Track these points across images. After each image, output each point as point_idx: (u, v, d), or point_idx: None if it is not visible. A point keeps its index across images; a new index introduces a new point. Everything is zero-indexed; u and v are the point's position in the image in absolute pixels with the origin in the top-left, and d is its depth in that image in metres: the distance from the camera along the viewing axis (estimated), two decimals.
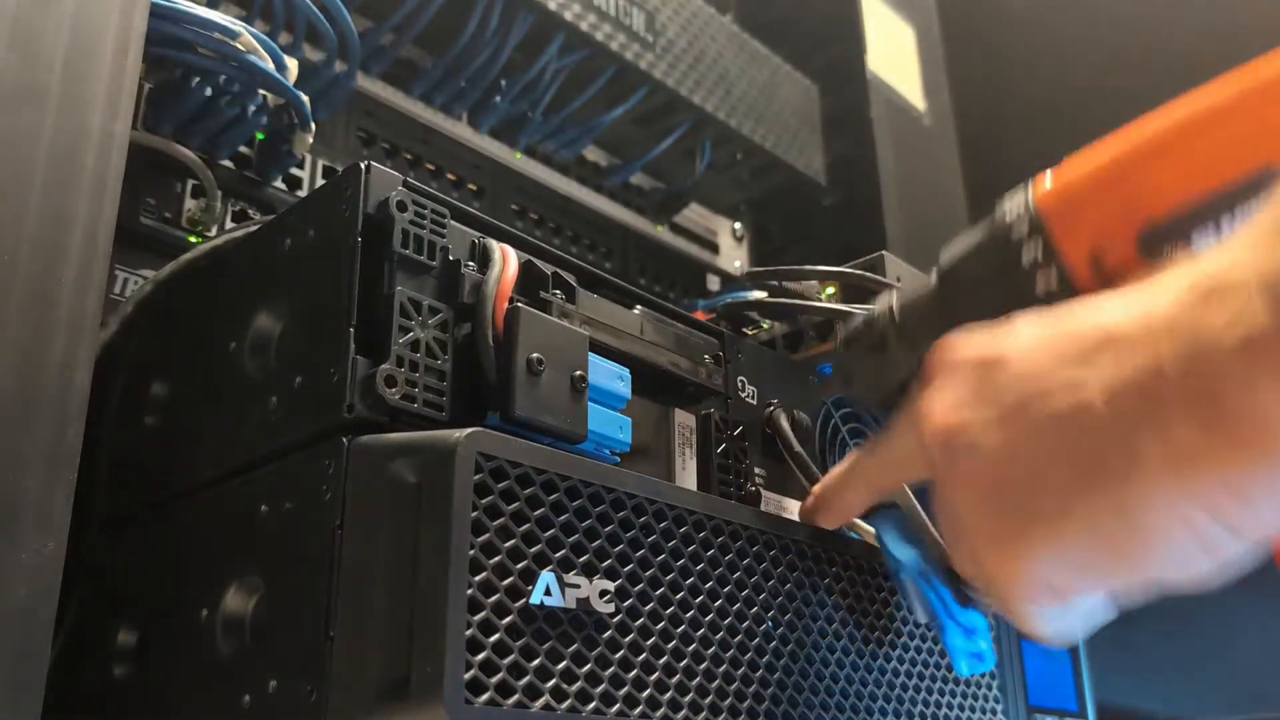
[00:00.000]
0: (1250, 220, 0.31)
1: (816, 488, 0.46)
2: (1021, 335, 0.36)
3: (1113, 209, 0.37)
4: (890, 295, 0.43)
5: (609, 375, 0.42)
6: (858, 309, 0.56)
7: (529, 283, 0.43)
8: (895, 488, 0.44)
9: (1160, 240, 0.36)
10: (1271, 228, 0.30)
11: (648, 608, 0.38)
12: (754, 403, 0.53)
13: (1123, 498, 0.32)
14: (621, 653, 0.37)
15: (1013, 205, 0.40)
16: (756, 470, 0.52)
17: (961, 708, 0.52)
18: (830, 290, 0.60)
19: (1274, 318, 0.29)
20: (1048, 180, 0.40)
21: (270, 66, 0.53)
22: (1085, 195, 0.38)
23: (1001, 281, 0.39)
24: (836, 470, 0.45)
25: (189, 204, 0.58)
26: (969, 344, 0.37)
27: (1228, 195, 0.35)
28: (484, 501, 0.34)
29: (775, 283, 0.60)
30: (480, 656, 0.32)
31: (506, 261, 0.41)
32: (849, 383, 0.44)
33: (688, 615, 0.40)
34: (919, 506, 0.45)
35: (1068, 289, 0.38)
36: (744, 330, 0.62)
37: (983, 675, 0.54)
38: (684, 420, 0.50)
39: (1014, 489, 0.34)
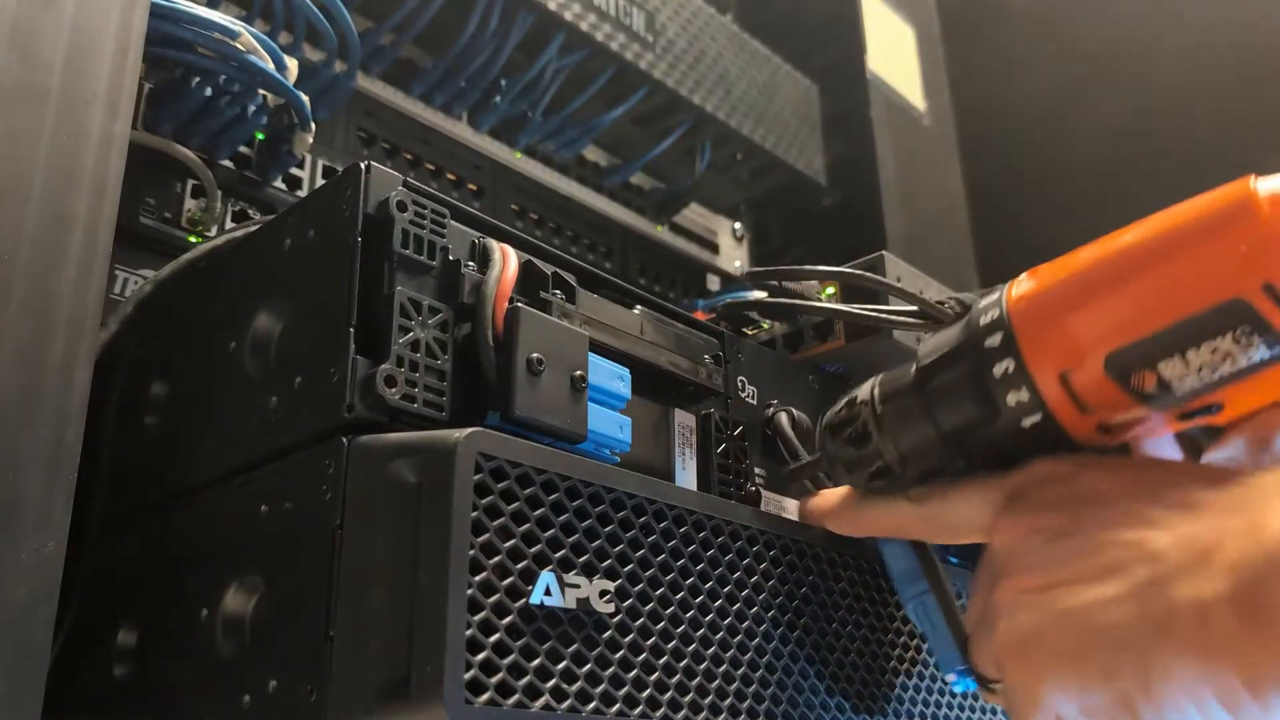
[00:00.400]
0: None
1: (840, 492, 0.46)
2: (1142, 476, 0.38)
3: (1080, 332, 0.38)
4: (873, 382, 0.44)
5: (609, 375, 0.42)
6: (858, 309, 0.56)
7: (529, 283, 0.43)
8: (929, 539, 0.45)
9: (1128, 365, 0.37)
10: None
11: (648, 608, 0.38)
12: (754, 403, 0.53)
13: (1146, 661, 0.34)
14: (621, 653, 0.37)
15: (989, 308, 0.41)
16: (756, 470, 0.52)
17: (961, 708, 0.52)
18: (830, 290, 0.60)
19: None
20: (1024, 285, 0.40)
21: (270, 66, 0.53)
22: (1054, 314, 0.38)
23: (975, 390, 0.40)
24: (881, 492, 0.45)
25: (189, 204, 0.58)
26: (1082, 468, 0.39)
27: (1195, 325, 0.36)
28: (484, 501, 0.34)
29: (775, 283, 0.60)
30: (480, 656, 0.32)
31: (506, 261, 0.41)
32: (832, 468, 0.45)
33: (688, 615, 0.40)
34: (937, 561, 0.46)
35: (1038, 404, 0.39)
36: (744, 330, 0.62)
37: None
38: (684, 420, 0.50)
39: (1060, 617, 0.36)
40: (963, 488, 0.42)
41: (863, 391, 0.44)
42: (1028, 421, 0.39)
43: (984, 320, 0.40)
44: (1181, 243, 0.36)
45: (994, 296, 0.41)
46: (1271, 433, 0.39)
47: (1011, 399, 0.39)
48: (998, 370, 0.39)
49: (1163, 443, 0.42)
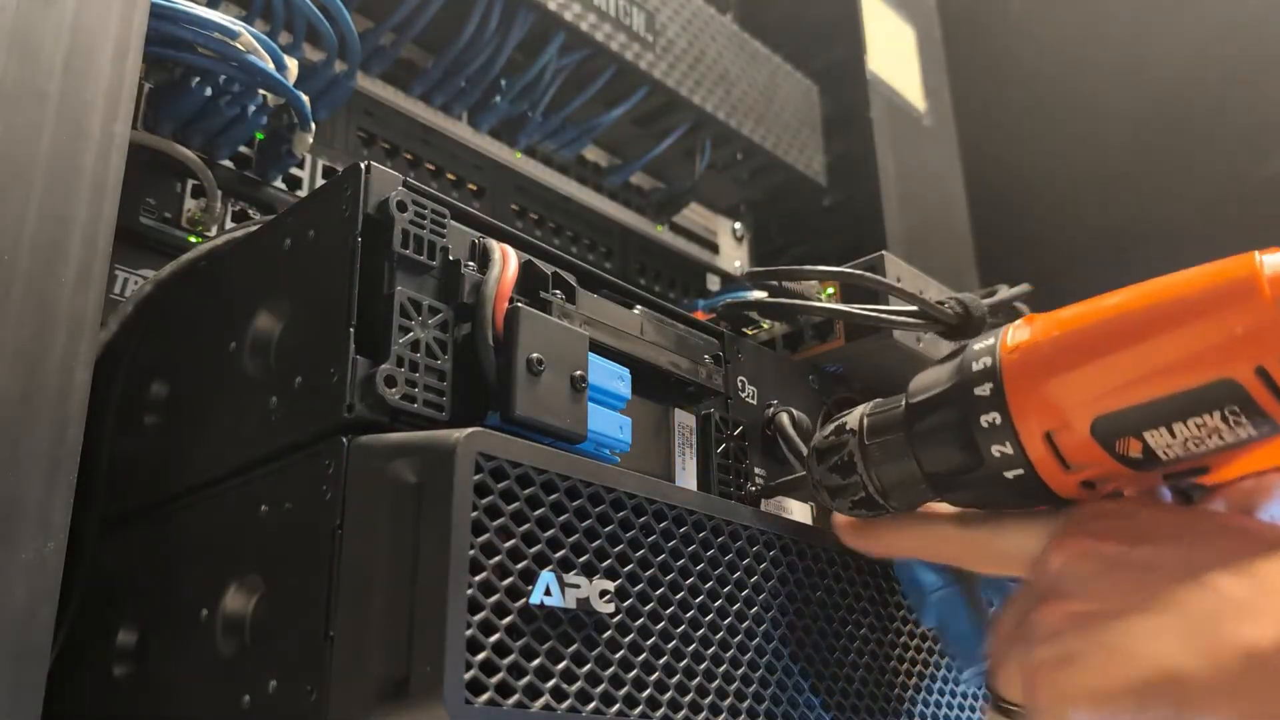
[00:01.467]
0: None
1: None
2: (1204, 522, 0.38)
3: (1069, 394, 0.38)
4: (863, 410, 0.44)
5: (609, 375, 0.42)
6: (858, 309, 0.56)
7: (529, 283, 0.43)
8: (970, 566, 0.45)
9: (1114, 431, 0.37)
10: None
11: (648, 608, 0.38)
12: (754, 403, 0.53)
13: (1184, 696, 0.33)
14: (621, 653, 0.37)
15: (982, 354, 0.40)
16: (756, 470, 0.52)
17: (962, 708, 0.52)
18: (830, 290, 0.60)
19: None
20: (1019, 333, 0.40)
21: (270, 66, 0.53)
22: (1044, 373, 0.38)
23: (960, 437, 0.40)
24: (867, 519, 0.45)
25: (189, 204, 0.58)
26: (1144, 505, 0.39)
27: (1184, 400, 0.36)
28: (484, 501, 0.34)
29: (775, 283, 0.60)
30: (480, 656, 0.32)
31: (506, 261, 0.41)
32: (817, 491, 0.45)
33: (688, 615, 0.40)
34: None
35: (1022, 459, 0.39)
36: (744, 330, 0.62)
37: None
38: (684, 420, 0.50)
39: (1104, 644, 0.35)
40: (1019, 519, 0.42)
41: (852, 419, 0.44)
42: (1010, 474, 0.39)
43: (976, 366, 0.40)
44: (1179, 315, 0.36)
45: (989, 342, 0.41)
46: (1258, 499, 0.39)
47: (996, 450, 0.39)
48: (984, 420, 0.39)
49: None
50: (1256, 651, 0.32)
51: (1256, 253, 0.35)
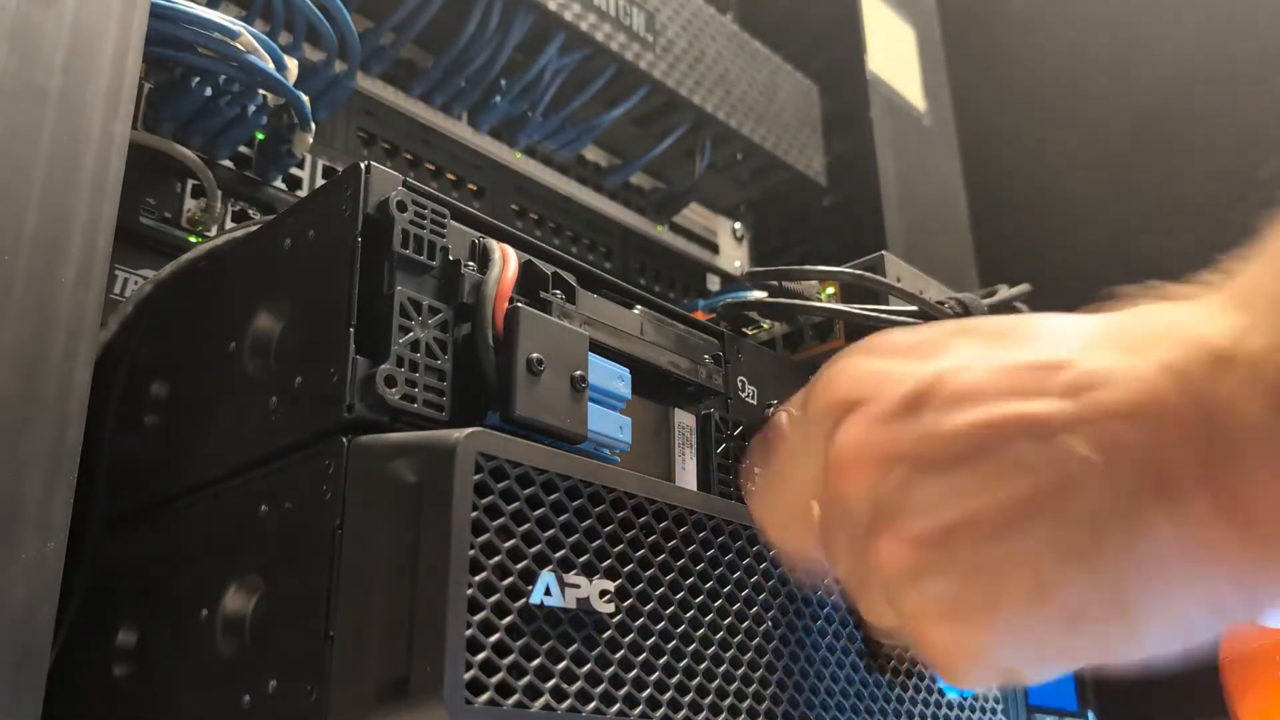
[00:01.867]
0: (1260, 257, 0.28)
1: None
2: (973, 353, 0.31)
3: None
4: None
5: (609, 375, 0.42)
6: (858, 309, 0.56)
7: (529, 283, 0.43)
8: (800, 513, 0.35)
9: None
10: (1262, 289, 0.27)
11: (648, 608, 0.38)
12: (754, 403, 0.53)
13: (1120, 585, 0.28)
14: (621, 653, 0.37)
15: None
16: (757, 470, 0.52)
17: (961, 708, 0.52)
18: (830, 290, 0.60)
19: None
20: None
21: (270, 66, 0.53)
22: None
23: None
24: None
25: (189, 204, 0.58)
26: (901, 346, 0.32)
27: None
28: (484, 501, 0.34)
29: (775, 283, 0.60)
30: (480, 656, 0.32)
31: (506, 261, 0.41)
32: None
33: (688, 615, 0.40)
34: None
35: None
36: (744, 330, 0.62)
37: None
38: (684, 420, 0.50)
39: (976, 562, 0.29)
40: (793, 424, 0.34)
41: None
42: None
43: None
44: None
45: None
46: None
47: None
48: None
49: None
50: (1179, 486, 0.27)
51: None
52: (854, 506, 0.31)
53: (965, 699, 0.52)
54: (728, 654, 0.41)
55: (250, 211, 0.60)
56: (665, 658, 0.38)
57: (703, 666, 0.39)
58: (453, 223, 0.41)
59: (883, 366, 0.33)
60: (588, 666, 0.35)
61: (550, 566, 0.35)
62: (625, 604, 0.37)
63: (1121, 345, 0.29)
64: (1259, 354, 0.26)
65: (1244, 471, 0.26)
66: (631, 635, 0.37)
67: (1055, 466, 0.28)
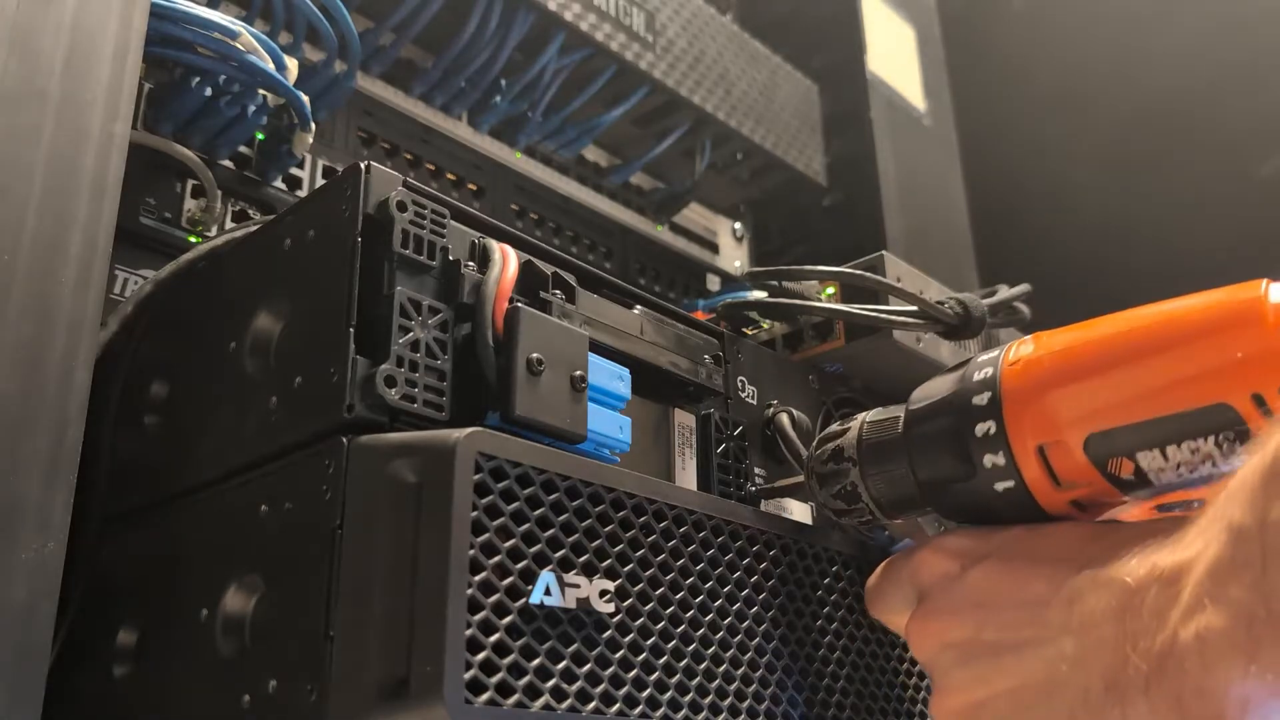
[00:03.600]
0: (1212, 503, 0.33)
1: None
2: (1039, 559, 0.39)
3: (1064, 408, 0.38)
4: (864, 417, 0.45)
5: (609, 375, 0.42)
6: (858, 309, 0.56)
7: (529, 283, 0.43)
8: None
9: (1107, 450, 0.37)
10: (1219, 516, 0.32)
11: (648, 608, 0.38)
12: (754, 403, 0.53)
13: None
14: (621, 653, 0.37)
15: (985, 365, 0.41)
16: (756, 470, 0.52)
17: None
18: (830, 290, 0.60)
19: (1222, 617, 0.31)
20: (1024, 348, 0.40)
21: (270, 66, 0.53)
22: (1042, 386, 0.38)
23: (955, 444, 0.40)
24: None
25: (189, 204, 0.58)
26: (966, 566, 0.41)
27: (1179, 422, 0.35)
28: (484, 501, 0.34)
29: (775, 283, 0.60)
30: (480, 656, 0.32)
31: (506, 261, 0.41)
32: (821, 510, 0.46)
33: (688, 615, 0.40)
34: None
35: (1013, 470, 0.39)
36: (744, 330, 0.62)
37: None
38: (684, 420, 0.50)
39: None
40: (881, 581, 0.45)
41: (848, 440, 0.44)
42: (1001, 486, 0.39)
43: (977, 376, 0.40)
44: (1179, 336, 0.36)
45: (993, 354, 0.41)
46: None
47: (988, 460, 0.39)
48: (980, 429, 0.39)
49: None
50: (1124, 693, 0.34)
51: (1265, 280, 0.35)
52: (921, 656, 0.42)
53: None
54: (728, 654, 0.41)
55: (250, 211, 0.60)
56: (665, 658, 0.38)
57: (703, 666, 0.39)
58: (453, 223, 0.41)
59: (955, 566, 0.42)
60: (588, 666, 0.35)
61: (550, 566, 0.35)
62: (625, 604, 0.37)
63: (1103, 576, 0.36)
64: (1200, 579, 0.32)
65: (1179, 684, 0.32)
66: (631, 635, 0.37)
67: (1047, 669, 0.36)
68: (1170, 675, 0.32)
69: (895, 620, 0.45)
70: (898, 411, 0.43)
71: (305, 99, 0.56)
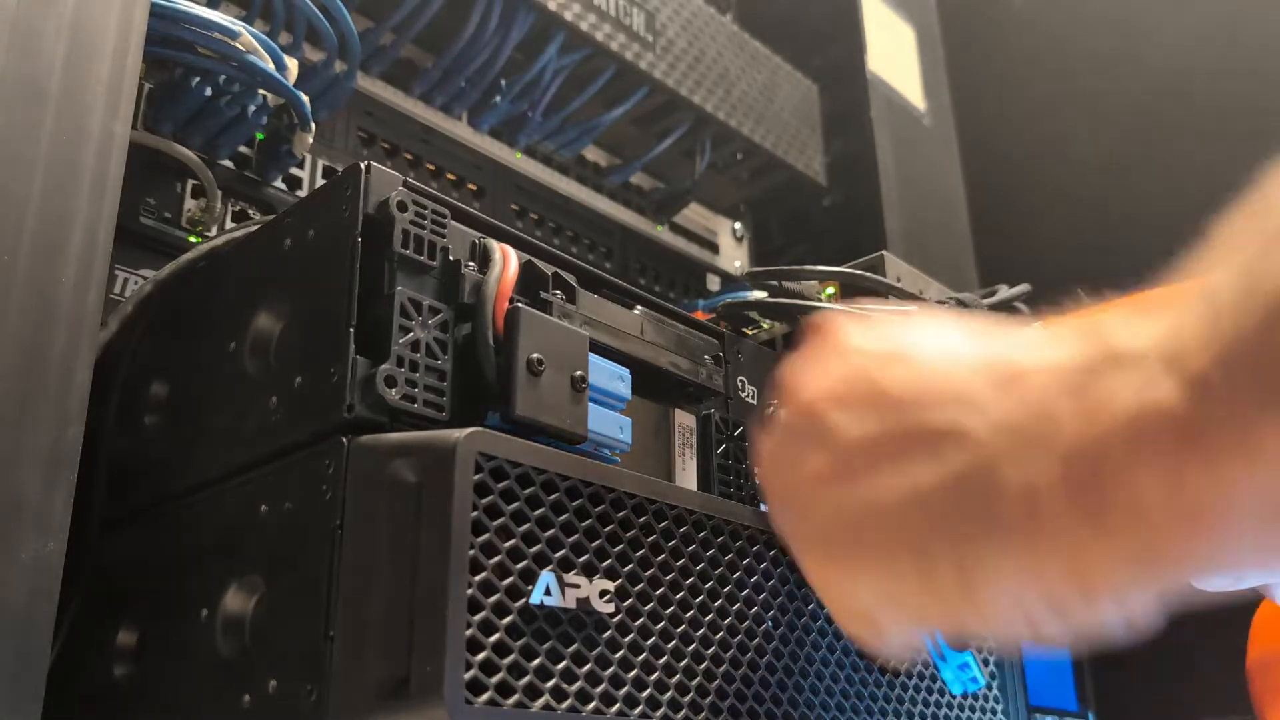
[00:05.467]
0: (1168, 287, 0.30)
1: None
2: (925, 338, 0.34)
3: None
4: None
5: (609, 375, 0.42)
6: (857, 309, 0.56)
7: (529, 283, 0.43)
8: None
9: None
10: (1175, 300, 0.29)
11: (648, 608, 0.38)
12: (754, 403, 0.53)
13: (967, 555, 0.30)
14: (621, 653, 0.37)
15: None
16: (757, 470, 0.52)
17: (961, 708, 0.52)
18: (830, 290, 0.60)
19: (1177, 394, 0.27)
20: None
21: (270, 66, 0.53)
22: None
23: None
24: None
25: (189, 204, 0.58)
26: (868, 330, 0.36)
27: None
28: (484, 501, 0.34)
29: (775, 283, 0.60)
30: (480, 656, 0.32)
31: (507, 261, 0.41)
32: None
33: (688, 615, 0.40)
34: None
35: None
36: (744, 330, 0.62)
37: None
38: (684, 420, 0.50)
39: (866, 509, 0.32)
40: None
41: None
42: None
43: None
44: None
45: None
46: None
47: None
48: None
49: None
50: (1037, 495, 0.29)
51: None
52: (800, 426, 0.35)
53: (966, 698, 0.52)
54: (728, 654, 0.41)
55: (250, 211, 0.60)
56: (665, 658, 0.38)
57: (703, 666, 0.39)
58: (453, 223, 0.41)
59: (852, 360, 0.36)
60: (588, 666, 0.35)
61: (550, 566, 0.35)
62: (625, 604, 0.37)
63: (1037, 347, 0.32)
64: (1143, 351, 0.28)
65: (1109, 471, 0.28)
66: (631, 635, 0.37)
67: (959, 468, 0.31)
68: (1094, 472, 0.28)
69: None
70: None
71: (305, 99, 0.56)
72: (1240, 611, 0.52)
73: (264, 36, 0.53)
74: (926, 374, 0.33)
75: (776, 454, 0.37)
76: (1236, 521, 0.27)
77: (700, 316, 0.55)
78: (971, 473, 0.30)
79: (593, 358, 0.42)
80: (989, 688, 0.54)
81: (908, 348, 0.35)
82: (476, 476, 0.34)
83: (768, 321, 0.62)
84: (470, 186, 0.74)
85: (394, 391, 0.37)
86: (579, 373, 0.40)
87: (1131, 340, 0.29)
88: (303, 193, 0.63)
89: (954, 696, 0.51)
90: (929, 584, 0.31)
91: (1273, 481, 0.26)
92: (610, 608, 0.37)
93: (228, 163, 0.60)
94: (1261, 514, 0.27)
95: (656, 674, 0.38)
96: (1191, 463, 0.27)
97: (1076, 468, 0.29)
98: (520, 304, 0.40)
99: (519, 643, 0.34)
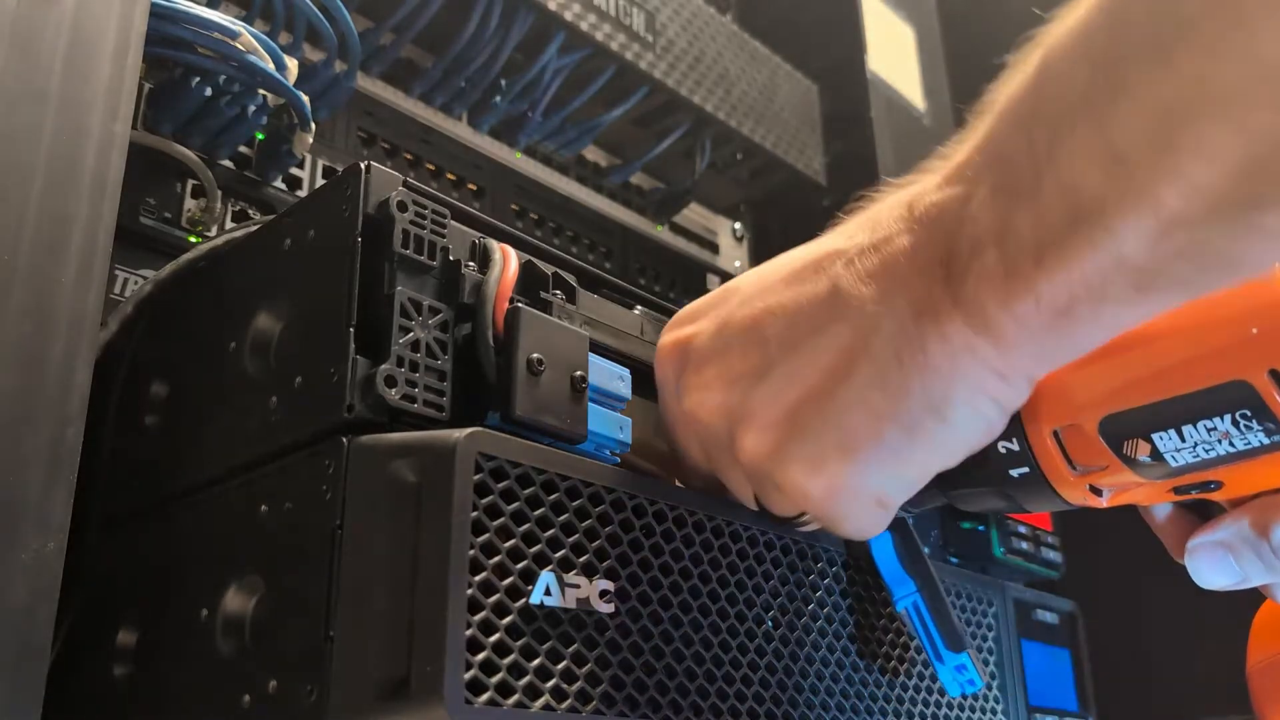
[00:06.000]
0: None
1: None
2: (751, 283, 0.40)
3: (1080, 391, 0.37)
4: None
5: (609, 375, 0.42)
6: None
7: (529, 283, 0.43)
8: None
9: (1122, 431, 0.37)
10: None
11: (648, 608, 0.38)
12: None
13: (929, 394, 0.35)
14: (621, 653, 0.37)
15: None
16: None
17: (961, 708, 0.52)
18: None
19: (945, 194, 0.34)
20: None
21: (270, 66, 0.53)
22: (1054, 372, 0.38)
23: None
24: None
25: (189, 204, 0.58)
26: (689, 311, 0.43)
27: (1194, 401, 0.35)
28: (484, 501, 0.34)
29: None
30: (480, 656, 0.32)
31: (507, 261, 0.41)
32: None
33: (688, 615, 0.40)
34: (914, 534, 0.46)
35: (1028, 456, 0.39)
36: None
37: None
38: None
39: (822, 419, 0.36)
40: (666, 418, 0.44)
41: None
42: (1015, 472, 0.39)
43: None
44: (1193, 315, 0.35)
45: None
46: (1273, 517, 0.38)
47: (1002, 447, 0.39)
48: None
49: (1161, 509, 0.42)
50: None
51: None
52: (714, 431, 0.40)
53: (965, 698, 0.52)
54: (728, 655, 0.41)
55: (250, 211, 0.60)
56: (665, 658, 0.38)
57: (703, 667, 0.39)
58: (453, 223, 0.41)
59: (684, 331, 0.42)
60: (588, 667, 0.35)
61: (550, 567, 0.35)
62: (625, 604, 0.37)
63: (868, 225, 0.37)
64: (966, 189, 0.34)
65: (974, 286, 0.33)
66: (631, 635, 0.37)
67: (848, 325, 0.36)
68: (968, 282, 0.33)
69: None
70: None
71: (305, 99, 0.56)
72: (1240, 612, 0.52)
73: (264, 36, 0.53)
74: (764, 288, 0.39)
75: (708, 421, 0.40)
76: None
77: None
78: (882, 342, 0.35)
79: (593, 358, 0.42)
80: (989, 688, 0.54)
81: (730, 292, 0.41)
82: (476, 477, 0.34)
83: None
84: (470, 186, 0.74)
85: (394, 391, 0.37)
86: (579, 373, 0.40)
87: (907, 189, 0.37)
88: (303, 193, 0.63)
89: (953, 697, 0.51)
90: (915, 432, 0.35)
91: (1019, 254, 0.32)
92: (610, 608, 0.37)
93: (228, 163, 0.60)
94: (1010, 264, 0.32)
95: (657, 675, 0.38)
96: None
97: (960, 295, 0.34)
98: (520, 304, 0.40)
99: (519, 643, 0.34)
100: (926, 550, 0.46)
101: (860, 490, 0.37)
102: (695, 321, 0.42)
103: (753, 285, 0.40)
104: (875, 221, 0.37)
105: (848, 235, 0.38)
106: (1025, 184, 0.32)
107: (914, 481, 0.38)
